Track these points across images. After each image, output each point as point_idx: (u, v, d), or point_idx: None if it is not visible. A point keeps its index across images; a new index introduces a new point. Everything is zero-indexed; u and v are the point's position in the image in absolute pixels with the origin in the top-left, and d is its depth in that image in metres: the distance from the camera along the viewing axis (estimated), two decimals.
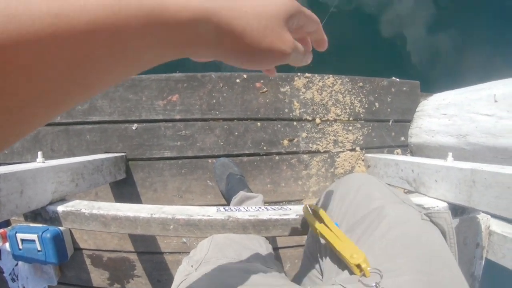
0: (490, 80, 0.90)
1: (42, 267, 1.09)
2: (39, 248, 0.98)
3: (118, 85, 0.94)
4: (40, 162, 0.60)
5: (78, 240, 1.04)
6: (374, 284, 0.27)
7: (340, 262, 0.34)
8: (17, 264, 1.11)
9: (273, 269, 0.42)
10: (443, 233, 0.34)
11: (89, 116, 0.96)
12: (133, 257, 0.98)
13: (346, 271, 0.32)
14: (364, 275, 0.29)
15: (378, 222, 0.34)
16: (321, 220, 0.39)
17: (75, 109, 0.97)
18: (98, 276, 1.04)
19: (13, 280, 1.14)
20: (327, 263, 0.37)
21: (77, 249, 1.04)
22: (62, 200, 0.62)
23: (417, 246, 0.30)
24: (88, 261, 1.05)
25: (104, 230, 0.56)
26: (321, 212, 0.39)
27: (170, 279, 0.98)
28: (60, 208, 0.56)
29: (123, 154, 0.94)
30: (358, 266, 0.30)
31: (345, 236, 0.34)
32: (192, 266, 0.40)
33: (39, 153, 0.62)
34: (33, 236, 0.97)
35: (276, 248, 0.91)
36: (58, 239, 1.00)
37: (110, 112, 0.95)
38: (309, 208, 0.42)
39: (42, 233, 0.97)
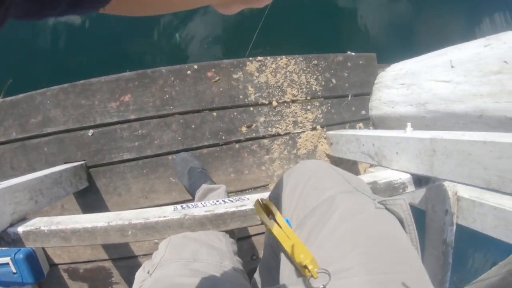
0: (445, 46, 0.90)
1: None
2: (14, 271, 0.96)
3: (69, 92, 0.91)
4: None
5: (52, 256, 1.01)
6: (321, 286, 0.26)
7: (292, 260, 0.33)
8: None
9: (228, 267, 0.41)
10: (400, 221, 0.32)
11: (44, 128, 0.93)
12: (108, 264, 0.97)
13: (297, 272, 0.31)
14: (312, 276, 0.28)
15: (328, 216, 0.32)
16: (272, 215, 0.38)
17: (29, 122, 0.93)
18: None
19: None
20: (282, 259, 0.37)
21: (53, 265, 1.02)
22: (23, 219, 0.60)
23: (371, 241, 0.28)
24: (65, 276, 1.02)
25: (65, 245, 0.56)
26: (272, 207, 0.38)
27: None
28: (20, 229, 0.55)
29: (82, 162, 0.91)
30: (305, 267, 0.29)
31: (294, 235, 0.33)
32: (148, 271, 0.39)
33: None
34: (6, 259, 0.94)
35: (247, 237, 0.91)
36: (31, 258, 0.97)
37: (64, 121, 0.92)
38: (260, 202, 0.41)
39: (14, 255, 0.95)
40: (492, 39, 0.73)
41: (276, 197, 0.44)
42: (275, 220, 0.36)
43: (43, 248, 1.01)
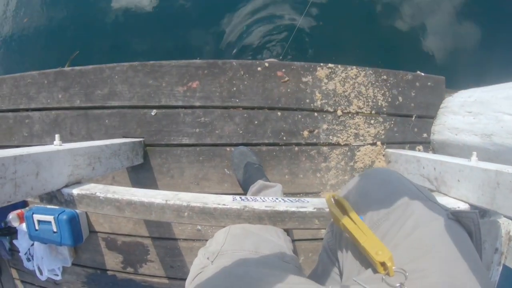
0: None
1: (57, 248, 1.11)
2: (55, 230, 1.00)
3: (138, 70, 0.94)
4: (57, 145, 0.61)
5: (94, 223, 1.05)
6: (398, 284, 0.26)
7: (363, 259, 0.33)
8: (32, 244, 1.13)
9: (290, 264, 0.41)
10: (470, 234, 0.32)
11: (108, 100, 0.96)
12: (147, 242, 0.99)
13: (369, 270, 0.31)
14: (388, 274, 0.28)
15: (404, 220, 0.32)
16: (345, 212, 0.37)
17: (94, 93, 0.97)
18: (112, 259, 1.06)
19: (28, 259, 1.17)
20: (348, 259, 0.36)
21: (93, 231, 1.06)
22: (78, 183, 0.62)
23: (444, 247, 0.28)
24: (103, 244, 1.06)
25: (118, 215, 0.56)
26: (345, 204, 0.38)
27: (183, 265, 0.99)
28: (75, 191, 0.57)
29: (141, 139, 0.94)
30: (383, 264, 0.28)
31: (370, 231, 0.33)
32: (208, 258, 0.39)
33: (57, 136, 0.62)
34: (50, 218, 0.99)
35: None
36: (74, 221, 1.01)
37: (130, 97, 0.95)
38: (332, 199, 0.40)
39: (58, 215, 0.99)
40: None
41: (345, 199, 0.43)
42: (349, 217, 0.36)
43: (86, 214, 1.06)
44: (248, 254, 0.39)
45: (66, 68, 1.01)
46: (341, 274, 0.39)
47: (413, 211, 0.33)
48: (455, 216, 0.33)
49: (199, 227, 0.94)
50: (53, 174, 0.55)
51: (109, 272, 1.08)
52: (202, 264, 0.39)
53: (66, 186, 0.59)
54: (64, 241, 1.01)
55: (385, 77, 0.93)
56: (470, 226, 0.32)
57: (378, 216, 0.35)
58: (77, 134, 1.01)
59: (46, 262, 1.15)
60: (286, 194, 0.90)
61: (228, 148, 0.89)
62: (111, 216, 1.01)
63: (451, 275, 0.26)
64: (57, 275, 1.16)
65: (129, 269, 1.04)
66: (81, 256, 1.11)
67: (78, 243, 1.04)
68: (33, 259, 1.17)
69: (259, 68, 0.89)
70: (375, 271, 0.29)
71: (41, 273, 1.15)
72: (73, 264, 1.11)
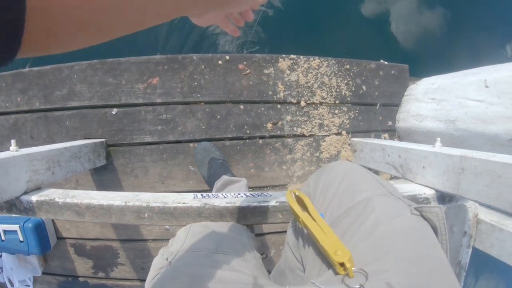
0: (480, 65, 0.88)
1: (26, 258, 1.07)
2: (21, 239, 0.96)
3: (97, 69, 0.90)
4: (13, 151, 0.58)
5: (60, 229, 1.01)
6: (358, 286, 0.25)
7: (324, 258, 0.32)
8: (1, 256, 1.09)
9: (251, 262, 0.40)
10: (434, 229, 0.31)
11: (68, 101, 0.93)
12: (116, 245, 0.96)
13: (330, 270, 0.30)
14: (348, 275, 0.27)
15: (364, 217, 0.31)
16: (305, 209, 0.36)
17: (53, 94, 0.93)
18: (82, 265, 1.03)
19: None
20: (309, 256, 0.35)
21: (60, 238, 1.02)
22: (38, 189, 0.60)
23: (406, 245, 0.28)
24: (71, 250, 1.03)
25: (78, 220, 0.55)
26: (306, 200, 0.37)
27: None
28: (34, 198, 0.55)
29: (102, 140, 0.91)
30: (342, 264, 0.27)
31: (331, 230, 0.32)
32: (167, 259, 0.38)
33: (12, 141, 0.59)
34: (15, 227, 0.95)
35: (261, 234, 0.90)
36: (40, 228, 0.98)
37: (90, 96, 0.91)
38: (293, 194, 0.39)
39: (23, 223, 0.95)
40: None
41: (306, 194, 0.42)
42: (309, 213, 0.35)
43: (52, 220, 1.02)
44: (207, 253, 0.38)
45: (24, 70, 0.96)
46: (304, 271, 0.38)
47: (374, 207, 0.32)
48: (419, 212, 0.32)
49: (167, 226, 0.92)
50: (10, 181, 0.53)
51: (80, 279, 1.05)
52: (160, 265, 0.38)
53: (25, 193, 0.57)
54: (31, 250, 0.98)
55: (348, 66, 0.93)
56: (434, 221, 0.31)
57: (338, 213, 0.34)
58: (38, 137, 0.97)
59: (16, 273, 1.10)
60: (253, 188, 0.89)
61: (191, 145, 0.88)
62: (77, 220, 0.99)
63: (413, 275, 0.25)
64: (29, 285, 1.12)
65: (100, 274, 1.02)
66: (50, 264, 1.07)
67: (46, 251, 1.01)
68: (2, 271, 1.12)
69: (220, 62, 0.87)
70: (336, 272, 0.28)
71: (12, 285, 1.10)
72: (43, 273, 1.07)
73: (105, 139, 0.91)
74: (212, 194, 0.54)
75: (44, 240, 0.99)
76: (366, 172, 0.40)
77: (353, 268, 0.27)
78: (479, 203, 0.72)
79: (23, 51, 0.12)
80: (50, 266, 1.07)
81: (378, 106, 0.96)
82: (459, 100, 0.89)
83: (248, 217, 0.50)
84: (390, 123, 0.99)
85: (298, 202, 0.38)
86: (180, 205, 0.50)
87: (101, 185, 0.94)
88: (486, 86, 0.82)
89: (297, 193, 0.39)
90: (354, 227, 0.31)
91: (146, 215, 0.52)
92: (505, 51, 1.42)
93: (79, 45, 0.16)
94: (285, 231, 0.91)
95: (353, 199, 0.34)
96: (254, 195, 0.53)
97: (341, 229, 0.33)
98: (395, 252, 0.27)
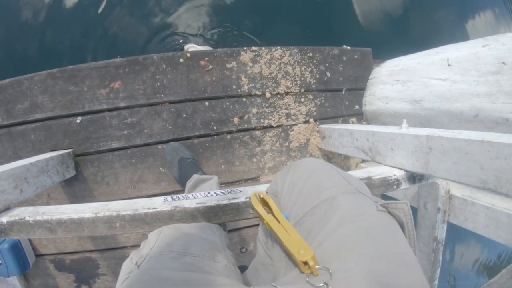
0: (442, 44, 0.90)
1: (7, 280, 1.04)
2: None
3: (58, 78, 0.88)
4: None
5: (38, 246, 0.99)
6: (322, 284, 0.25)
7: (290, 257, 0.32)
8: None
9: (220, 262, 0.40)
10: (401, 225, 0.31)
11: (30, 114, 0.90)
12: (96, 255, 0.95)
13: (296, 269, 0.30)
14: (312, 273, 0.27)
15: (329, 215, 0.31)
16: (269, 210, 0.37)
17: (15, 108, 0.90)
18: (64, 280, 1.00)
19: None
20: (276, 255, 0.35)
21: (39, 255, 1.00)
22: (7, 209, 0.58)
23: (371, 243, 0.27)
24: (51, 267, 1.00)
25: (51, 236, 0.54)
26: (269, 201, 0.37)
27: None
28: (4, 219, 0.53)
29: (69, 150, 0.89)
30: (306, 263, 0.27)
31: (294, 230, 0.32)
32: (136, 263, 0.37)
33: None
34: None
35: (238, 229, 0.90)
36: (16, 248, 0.95)
37: (52, 107, 0.89)
38: (257, 196, 0.39)
39: None
40: (491, 39, 0.73)
41: (273, 193, 0.42)
42: (273, 215, 0.35)
43: (28, 239, 0.99)
44: (176, 255, 0.38)
45: None
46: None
47: (339, 205, 0.32)
48: (385, 208, 0.32)
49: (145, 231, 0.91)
50: None
51: None
52: (129, 269, 0.37)
53: None
54: (11, 272, 0.95)
55: (311, 54, 0.93)
56: (401, 217, 0.31)
57: (303, 211, 0.34)
58: (4, 155, 0.93)
59: None
60: (225, 183, 0.89)
61: (159, 146, 0.87)
62: (50, 237, 0.96)
63: (378, 273, 0.24)
64: None
65: (84, 287, 1.00)
66: (32, 283, 1.04)
67: (25, 271, 0.98)
68: None
69: (181, 60, 0.86)
70: (301, 270, 0.28)
71: None
72: None
73: (72, 149, 0.89)
74: (182, 196, 0.54)
75: (23, 259, 0.97)
76: (332, 169, 0.40)
77: (316, 266, 0.27)
78: (449, 180, 0.74)
79: None
80: (32, 285, 1.04)
81: (343, 91, 0.98)
82: (423, 80, 0.91)
83: (220, 216, 0.50)
84: (357, 107, 1.00)
85: (263, 204, 0.38)
86: (150, 210, 0.50)
87: (74, 197, 0.92)
88: (449, 65, 0.84)
89: (261, 196, 0.39)
90: (319, 225, 0.31)
91: (117, 224, 0.51)
92: (465, 28, 1.46)
93: None
94: None
95: (318, 198, 0.34)
96: (224, 193, 0.53)
97: (306, 228, 0.33)
98: (359, 250, 0.27)
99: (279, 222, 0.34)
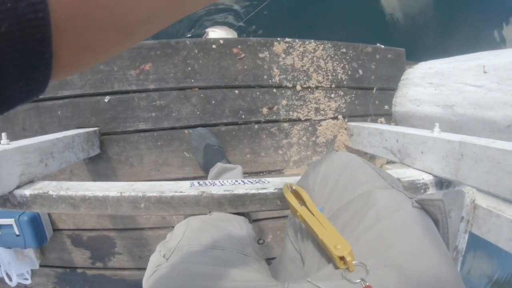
0: (476, 51, 0.87)
1: (23, 251, 1.06)
2: (17, 233, 0.95)
3: None
4: (4, 144, 0.56)
5: (56, 220, 1.00)
6: (359, 280, 0.24)
7: (323, 252, 0.31)
8: None
9: (250, 256, 0.39)
10: (436, 222, 0.31)
11: (59, 90, 0.91)
12: (113, 234, 0.96)
13: (330, 264, 0.29)
14: (348, 269, 0.26)
15: (365, 211, 0.31)
16: (302, 202, 0.35)
17: None
18: (79, 256, 1.02)
19: None
20: (308, 250, 0.35)
21: (56, 230, 1.02)
22: (31, 182, 0.58)
23: (408, 240, 0.27)
24: (68, 242, 1.02)
25: (74, 212, 0.53)
26: (303, 194, 0.36)
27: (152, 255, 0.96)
28: (28, 192, 0.53)
29: (96, 128, 0.89)
30: (342, 258, 0.27)
31: (329, 224, 0.31)
32: (164, 255, 0.37)
33: (3, 134, 0.57)
34: (10, 221, 0.94)
35: (258, 220, 0.90)
36: (35, 222, 0.97)
37: (81, 85, 0.89)
38: (289, 188, 0.38)
39: (19, 217, 0.94)
40: None
41: (303, 187, 0.41)
42: (307, 207, 0.34)
43: (48, 212, 1.01)
44: (205, 249, 0.37)
45: None
46: (304, 263, 0.37)
47: (375, 201, 0.31)
48: (420, 204, 0.31)
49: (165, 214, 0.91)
50: (3, 176, 0.51)
51: (78, 270, 1.04)
52: (157, 262, 0.37)
53: (18, 187, 0.55)
54: (28, 244, 0.97)
55: (344, 50, 0.91)
56: (436, 214, 0.31)
57: (338, 206, 0.33)
58: (30, 129, 0.95)
59: (14, 267, 1.10)
60: (249, 174, 0.88)
61: (186, 131, 0.86)
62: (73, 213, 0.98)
63: (415, 270, 0.24)
64: (27, 279, 1.12)
65: (98, 264, 1.01)
66: (48, 256, 1.06)
67: (42, 244, 1.00)
68: (0, 266, 1.11)
69: (214, 46, 0.85)
70: (336, 266, 0.28)
71: (10, 279, 1.10)
72: (41, 265, 1.07)
73: (99, 128, 0.90)
74: (209, 182, 0.53)
75: (40, 233, 0.99)
76: (365, 163, 0.39)
77: (353, 262, 0.26)
78: (478, 189, 0.72)
79: (54, 77, 0.10)
80: (48, 259, 1.06)
81: (374, 90, 0.95)
82: (457, 85, 0.89)
83: (247, 205, 0.49)
84: (386, 107, 0.98)
85: (295, 196, 0.37)
86: (177, 194, 0.49)
87: (96, 175, 0.93)
88: (485, 72, 0.81)
89: (294, 187, 0.38)
90: (354, 221, 0.31)
91: (142, 205, 0.51)
92: (502, 36, 1.41)
93: (118, 51, 0.13)
94: (282, 217, 0.91)
95: (353, 192, 0.33)
96: (252, 182, 0.52)
97: (341, 222, 0.32)
98: (397, 247, 0.26)
99: (313, 215, 0.32)
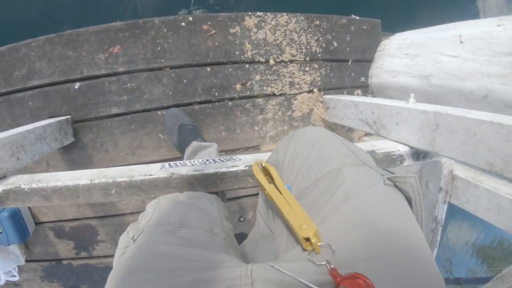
0: (451, 21, 0.86)
1: (7, 249, 1.05)
2: None
3: (55, 43, 0.86)
4: None
5: (37, 214, 0.99)
6: (324, 262, 0.23)
7: (292, 232, 0.30)
8: None
9: (219, 236, 0.38)
10: (409, 200, 0.29)
11: (28, 81, 0.88)
12: (95, 222, 0.95)
13: (298, 246, 0.28)
14: (314, 250, 0.25)
15: (334, 189, 0.29)
16: (271, 180, 0.34)
17: (13, 75, 0.88)
18: (63, 247, 1.01)
19: None
20: (278, 228, 0.34)
21: (38, 223, 1.00)
22: (3, 178, 0.57)
23: (377, 220, 0.26)
24: (51, 234, 1.01)
25: (47, 204, 0.52)
26: (272, 171, 0.35)
27: None
28: (0, 188, 0.52)
29: (67, 116, 0.87)
30: (308, 239, 0.26)
31: (296, 203, 0.30)
32: (132, 237, 0.36)
33: None
34: None
35: (237, 197, 0.90)
36: (16, 217, 0.95)
37: (50, 73, 0.87)
38: (259, 165, 0.37)
39: None
40: (506, 20, 0.69)
41: (274, 164, 0.40)
42: (275, 185, 0.33)
43: (28, 206, 0.99)
44: (172, 228, 0.36)
45: None
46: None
47: (345, 178, 0.30)
48: (392, 182, 0.30)
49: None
50: None
51: (64, 261, 1.03)
52: (125, 243, 0.36)
53: None
54: (11, 240, 0.96)
55: (317, 22, 0.90)
56: (409, 192, 0.29)
57: (306, 184, 0.32)
58: (2, 123, 0.92)
59: (0, 265, 1.08)
60: (225, 151, 0.88)
61: (159, 112, 0.85)
62: (46, 205, 0.96)
63: (384, 251, 0.23)
64: (15, 276, 1.11)
65: (83, 254, 1.00)
66: (33, 251, 1.05)
67: (26, 239, 0.99)
68: None
69: (183, 24, 0.83)
70: (303, 247, 0.27)
71: None
72: (27, 261, 1.06)
73: (71, 116, 0.88)
74: (180, 163, 0.52)
75: (22, 227, 0.97)
76: (336, 138, 0.37)
77: (319, 243, 0.25)
78: (454, 160, 0.71)
79: None
80: (33, 253, 1.05)
81: (350, 62, 0.94)
82: (433, 56, 0.88)
83: (218, 184, 0.48)
84: (362, 79, 0.97)
85: (265, 173, 0.36)
86: (147, 177, 0.48)
87: (72, 163, 0.91)
88: (461, 42, 0.80)
89: (263, 164, 0.37)
90: (323, 199, 0.29)
91: (113, 191, 0.50)
92: (475, 6, 1.40)
93: None
94: None
95: (321, 169, 0.32)
96: (222, 160, 0.51)
97: (309, 201, 0.31)
98: (366, 227, 0.25)
99: (281, 193, 0.32)
